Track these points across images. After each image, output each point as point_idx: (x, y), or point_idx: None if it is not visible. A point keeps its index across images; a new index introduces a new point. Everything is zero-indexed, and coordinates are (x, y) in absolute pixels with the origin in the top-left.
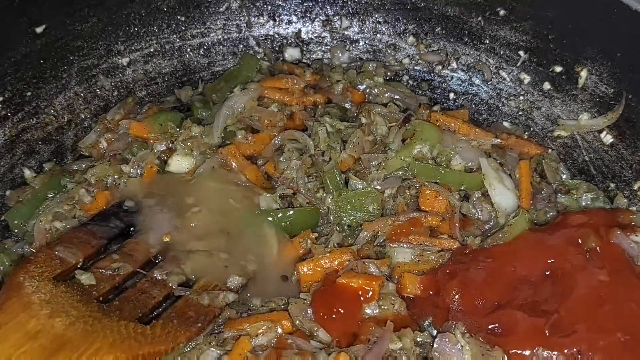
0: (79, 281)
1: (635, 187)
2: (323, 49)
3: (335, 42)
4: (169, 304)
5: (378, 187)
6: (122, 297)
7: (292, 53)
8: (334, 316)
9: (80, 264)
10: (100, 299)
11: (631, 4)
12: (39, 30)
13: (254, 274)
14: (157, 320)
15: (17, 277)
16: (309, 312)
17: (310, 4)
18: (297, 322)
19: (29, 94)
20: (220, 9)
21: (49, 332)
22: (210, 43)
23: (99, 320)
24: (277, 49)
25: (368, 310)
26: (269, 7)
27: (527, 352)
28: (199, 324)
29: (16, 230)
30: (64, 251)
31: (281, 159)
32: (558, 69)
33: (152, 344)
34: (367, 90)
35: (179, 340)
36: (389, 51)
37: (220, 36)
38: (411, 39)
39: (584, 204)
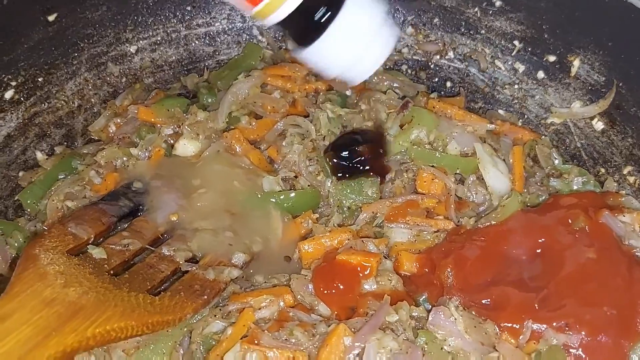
0: (91, 255)
1: (625, 172)
2: None
3: None
4: (176, 278)
5: None
6: (131, 271)
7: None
8: (333, 291)
9: (92, 239)
10: (112, 272)
11: None
12: (51, 18)
13: (258, 253)
14: (165, 292)
15: (32, 249)
16: (310, 287)
17: None
18: (299, 296)
19: (40, 79)
20: None
21: (64, 300)
22: (215, 32)
23: (110, 290)
24: (279, 38)
25: (366, 286)
26: None
27: (518, 325)
28: (205, 297)
29: (29, 210)
30: (76, 227)
31: (283, 143)
32: (551, 58)
33: (160, 314)
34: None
35: (185, 312)
36: None
37: (225, 25)
38: (410, 29)
39: (575, 187)
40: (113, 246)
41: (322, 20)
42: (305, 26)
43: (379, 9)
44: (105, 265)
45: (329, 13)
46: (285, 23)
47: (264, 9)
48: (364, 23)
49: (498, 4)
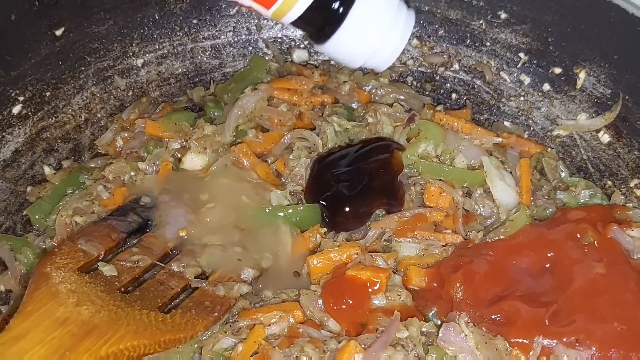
0: (102, 272)
1: (632, 185)
2: None
3: None
4: (186, 295)
5: None
6: (142, 288)
7: (300, 55)
8: (343, 306)
9: (102, 256)
10: (122, 289)
11: (628, 7)
12: (58, 32)
13: (268, 269)
14: (177, 309)
15: (44, 267)
16: (319, 302)
17: None
18: (308, 312)
19: (48, 94)
20: (231, 12)
21: (77, 319)
22: (221, 45)
23: (122, 308)
24: (285, 50)
25: (376, 301)
26: None
27: (528, 341)
28: (216, 313)
29: (37, 225)
30: (86, 244)
31: (290, 157)
32: (557, 70)
33: (172, 332)
34: (373, 91)
35: (197, 329)
36: None
37: (230, 38)
38: (415, 41)
39: (582, 200)
40: (123, 263)
41: (339, 11)
42: (323, 20)
43: None
44: (116, 283)
45: (346, 1)
46: (303, 20)
47: (280, 7)
48: (381, 8)
49: (503, 16)
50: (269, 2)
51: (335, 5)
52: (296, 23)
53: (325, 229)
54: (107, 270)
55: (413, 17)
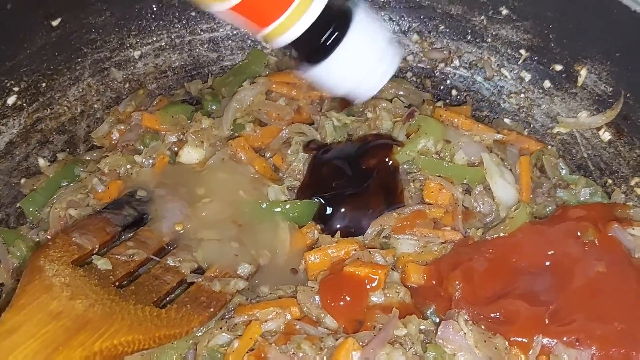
0: (96, 266)
1: (632, 183)
2: None
3: None
4: (182, 290)
5: None
6: (137, 282)
7: None
8: (341, 303)
9: (96, 250)
10: (117, 283)
11: (630, 4)
12: (54, 23)
13: (265, 265)
14: (172, 304)
15: (37, 260)
16: (317, 299)
17: None
18: (305, 308)
19: (43, 85)
20: None
21: (71, 313)
22: (219, 38)
23: (117, 303)
24: None
25: (374, 298)
26: None
27: (527, 340)
28: (211, 309)
29: (31, 218)
30: (81, 237)
31: (289, 151)
32: (558, 67)
33: (167, 327)
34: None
35: (192, 325)
36: None
37: (229, 31)
38: (415, 36)
39: (582, 198)
40: (118, 257)
41: (331, 40)
42: (313, 47)
43: (384, 31)
44: (111, 277)
45: (337, 35)
46: (293, 44)
47: (273, 31)
48: (370, 44)
49: (504, 12)
50: (265, 22)
51: (326, 35)
52: (286, 48)
53: (322, 225)
54: (102, 263)
55: (399, 57)
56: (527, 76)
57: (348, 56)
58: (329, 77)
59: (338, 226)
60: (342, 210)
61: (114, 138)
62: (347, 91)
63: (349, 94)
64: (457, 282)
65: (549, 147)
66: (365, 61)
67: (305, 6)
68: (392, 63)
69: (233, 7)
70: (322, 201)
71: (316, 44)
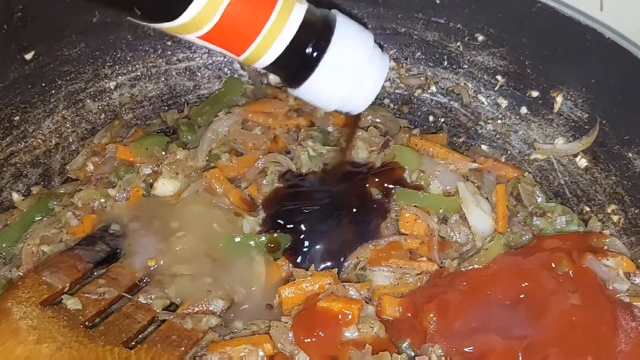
0: (66, 306)
1: (609, 211)
2: None
3: None
4: (154, 327)
5: None
6: (107, 322)
7: (276, 77)
8: (314, 339)
9: (67, 288)
10: (87, 323)
11: (604, 32)
12: (28, 56)
13: (239, 301)
14: (142, 344)
15: (5, 303)
16: (290, 335)
17: None
18: (279, 345)
19: (17, 118)
20: None
21: (37, 358)
22: (195, 67)
23: (85, 345)
24: (261, 72)
25: (347, 334)
26: None
27: None
28: (182, 348)
29: (4, 254)
30: (51, 276)
31: (264, 182)
32: (535, 93)
33: None
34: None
35: None
36: None
37: (205, 60)
38: (392, 63)
39: (558, 227)
40: (88, 295)
41: (314, 54)
42: (297, 64)
43: (368, 38)
44: (80, 317)
45: (320, 45)
46: (276, 64)
47: (252, 54)
48: (356, 52)
49: (480, 38)
50: (239, 49)
51: (308, 50)
52: (268, 69)
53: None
54: (71, 303)
55: (387, 62)
56: (504, 102)
57: (335, 67)
58: (319, 93)
59: (312, 262)
60: (317, 246)
61: (89, 170)
62: (339, 105)
63: (342, 108)
64: (431, 315)
65: (526, 174)
66: (353, 71)
67: (280, 25)
68: (381, 70)
69: (201, 36)
70: (297, 235)
71: (300, 58)
